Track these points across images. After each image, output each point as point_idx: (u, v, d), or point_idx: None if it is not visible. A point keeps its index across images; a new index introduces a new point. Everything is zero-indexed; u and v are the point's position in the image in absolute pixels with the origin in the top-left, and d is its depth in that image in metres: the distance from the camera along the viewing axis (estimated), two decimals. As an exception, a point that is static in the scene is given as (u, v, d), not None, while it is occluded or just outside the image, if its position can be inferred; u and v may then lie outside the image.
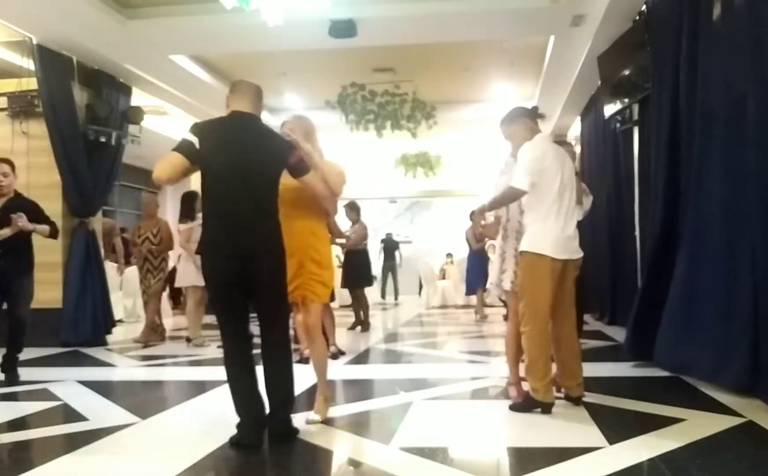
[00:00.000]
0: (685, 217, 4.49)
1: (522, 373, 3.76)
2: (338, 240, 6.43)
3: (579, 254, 3.60)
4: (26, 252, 4.77)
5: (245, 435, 2.97)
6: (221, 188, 2.94)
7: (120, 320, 8.55)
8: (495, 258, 3.91)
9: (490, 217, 3.97)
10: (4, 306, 4.72)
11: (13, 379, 4.74)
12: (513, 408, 3.57)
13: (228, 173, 2.93)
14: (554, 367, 3.75)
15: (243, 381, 3.00)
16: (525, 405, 3.52)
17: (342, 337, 7.09)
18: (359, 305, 7.96)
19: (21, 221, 4.56)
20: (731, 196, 3.86)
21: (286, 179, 3.12)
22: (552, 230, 3.41)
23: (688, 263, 4.40)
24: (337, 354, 5.75)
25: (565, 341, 3.61)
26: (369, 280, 8.12)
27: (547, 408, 3.45)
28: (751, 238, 3.68)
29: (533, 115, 3.71)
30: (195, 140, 2.90)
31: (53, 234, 4.90)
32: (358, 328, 7.92)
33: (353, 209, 7.93)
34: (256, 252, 2.95)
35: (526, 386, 3.64)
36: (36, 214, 4.76)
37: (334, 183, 3.23)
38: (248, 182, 2.94)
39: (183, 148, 2.90)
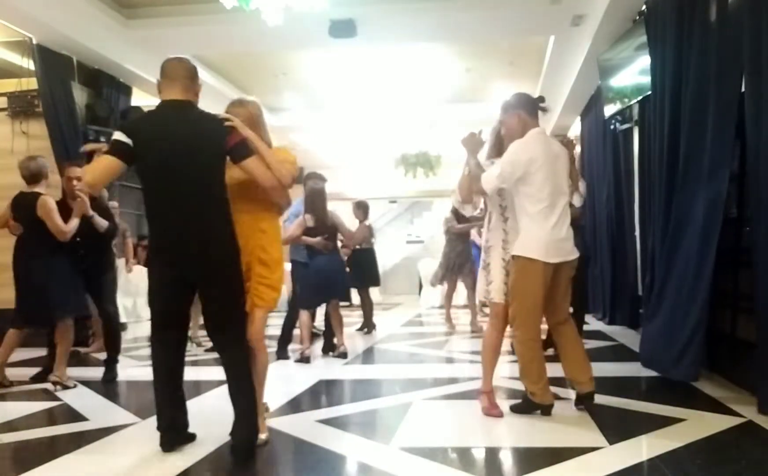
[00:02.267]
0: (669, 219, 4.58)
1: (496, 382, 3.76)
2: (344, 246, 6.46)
3: (574, 254, 3.48)
4: (105, 252, 5.00)
5: (160, 440, 2.91)
6: (161, 186, 2.80)
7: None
8: (480, 270, 3.77)
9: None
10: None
11: (109, 379, 4.90)
12: (513, 408, 3.54)
13: (166, 169, 2.77)
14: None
15: (161, 384, 2.93)
16: (525, 406, 3.50)
17: (354, 340, 7.09)
18: (364, 305, 7.87)
19: (85, 206, 4.68)
20: (706, 198, 3.90)
21: (230, 170, 2.91)
22: (544, 234, 3.31)
23: (662, 263, 4.54)
24: (345, 354, 5.77)
25: (566, 337, 3.57)
26: (376, 280, 8.03)
27: (546, 410, 3.43)
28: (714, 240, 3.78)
29: (533, 107, 3.49)
30: (128, 140, 2.75)
31: (110, 232, 5.03)
32: (365, 329, 7.83)
33: (360, 207, 7.90)
34: (203, 252, 2.78)
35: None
36: (102, 214, 4.95)
37: (278, 170, 2.90)
38: (188, 174, 2.77)
39: (118, 149, 2.75)
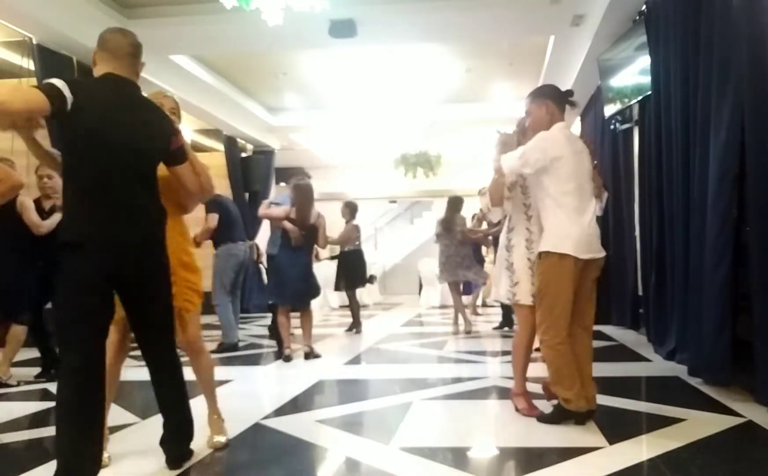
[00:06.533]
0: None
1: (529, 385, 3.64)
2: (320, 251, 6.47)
3: (602, 253, 3.30)
4: None
5: None
6: (102, 166, 2.39)
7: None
8: (501, 271, 3.61)
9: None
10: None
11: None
12: (542, 419, 3.31)
13: (113, 148, 2.41)
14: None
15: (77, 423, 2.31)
16: (556, 416, 3.25)
17: (340, 339, 7.09)
18: (351, 305, 7.89)
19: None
20: (717, 193, 3.86)
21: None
22: (574, 228, 3.14)
23: (681, 261, 4.54)
24: (311, 354, 5.71)
25: (581, 345, 3.31)
26: (362, 281, 8.01)
27: (581, 419, 3.18)
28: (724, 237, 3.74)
29: (562, 98, 3.37)
30: (68, 96, 2.29)
31: None
32: (354, 330, 7.84)
33: (348, 207, 7.88)
34: (144, 247, 2.51)
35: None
36: None
37: (207, 179, 2.85)
38: (137, 161, 2.49)
39: (50, 91, 2.27)
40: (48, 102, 2.25)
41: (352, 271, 7.79)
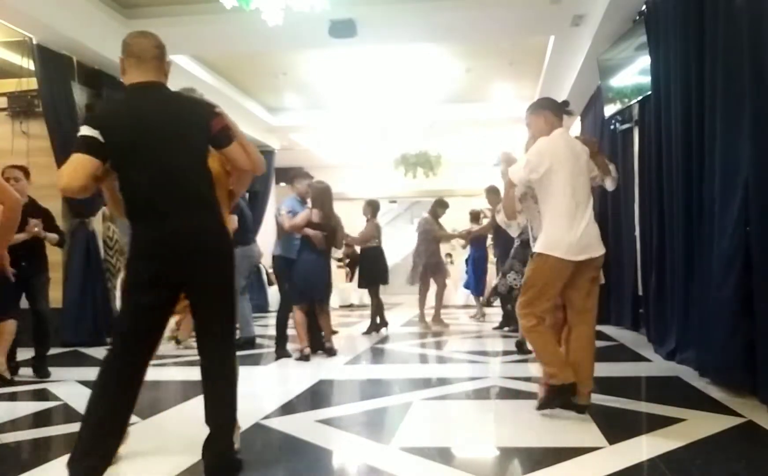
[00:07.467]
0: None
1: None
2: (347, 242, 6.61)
3: (598, 251, 3.38)
4: (41, 252, 5.08)
5: None
6: (143, 181, 2.42)
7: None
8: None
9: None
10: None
11: (44, 375, 4.99)
12: (540, 406, 3.45)
13: (147, 161, 2.41)
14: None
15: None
16: (548, 398, 3.39)
17: (340, 339, 7.10)
18: (372, 303, 7.83)
19: (37, 227, 4.83)
20: (725, 195, 3.83)
21: None
22: (568, 234, 3.28)
23: (686, 261, 4.49)
24: (334, 351, 5.83)
25: (581, 344, 3.41)
26: (383, 278, 7.96)
27: (569, 389, 3.29)
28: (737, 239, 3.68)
29: (559, 109, 3.58)
30: (96, 133, 2.36)
31: (60, 243, 5.25)
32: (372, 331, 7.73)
33: (370, 205, 7.90)
34: (197, 252, 2.45)
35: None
36: (47, 221, 5.05)
37: (258, 157, 2.79)
38: (174, 165, 2.45)
39: (88, 146, 2.35)
40: (96, 159, 2.35)
41: (373, 268, 7.76)
